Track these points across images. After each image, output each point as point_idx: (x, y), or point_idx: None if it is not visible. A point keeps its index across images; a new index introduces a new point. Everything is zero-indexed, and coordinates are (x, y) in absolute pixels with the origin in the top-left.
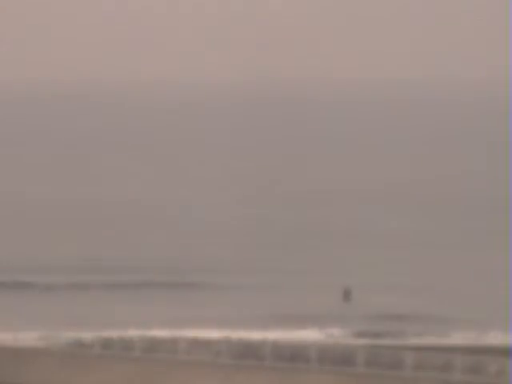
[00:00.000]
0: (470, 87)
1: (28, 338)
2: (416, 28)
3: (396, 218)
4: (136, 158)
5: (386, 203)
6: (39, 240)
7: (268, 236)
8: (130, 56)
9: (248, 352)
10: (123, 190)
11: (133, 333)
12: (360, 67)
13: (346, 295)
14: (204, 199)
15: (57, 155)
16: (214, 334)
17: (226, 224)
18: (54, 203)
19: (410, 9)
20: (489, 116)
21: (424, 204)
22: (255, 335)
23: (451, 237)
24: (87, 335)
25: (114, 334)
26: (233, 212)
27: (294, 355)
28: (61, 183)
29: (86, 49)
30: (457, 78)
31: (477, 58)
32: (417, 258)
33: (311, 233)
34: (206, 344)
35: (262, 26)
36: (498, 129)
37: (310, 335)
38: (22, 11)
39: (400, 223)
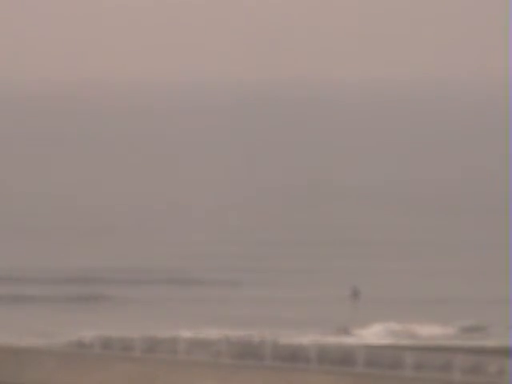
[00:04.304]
0: (470, 87)
1: (28, 338)
2: (416, 28)
3: (396, 220)
4: (135, 158)
5: (386, 204)
6: (40, 248)
7: (268, 238)
8: (130, 56)
9: (248, 352)
10: (119, 191)
11: (133, 333)
12: (360, 67)
13: (355, 295)
14: (203, 201)
15: (53, 156)
16: (213, 334)
17: (226, 226)
18: (54, 206)
19: (410, 9)
20: (489, 116)
21: (423, 205)
22: (255, 335)
23: (451, 237)
24: (87, 335)
25: (113, 333)
26: (233, 214)
27: (294, 355)
28: (58, 185)
29: (85, 48)
30: (457, 78)
31: (477, 58)
32: (416, 260)
33: (312, 234)
34: (205, 344)
35: (262, 26)
36: (498, 128)
37: (311, 338)
38: (22, 11)
39: (401, 225)
